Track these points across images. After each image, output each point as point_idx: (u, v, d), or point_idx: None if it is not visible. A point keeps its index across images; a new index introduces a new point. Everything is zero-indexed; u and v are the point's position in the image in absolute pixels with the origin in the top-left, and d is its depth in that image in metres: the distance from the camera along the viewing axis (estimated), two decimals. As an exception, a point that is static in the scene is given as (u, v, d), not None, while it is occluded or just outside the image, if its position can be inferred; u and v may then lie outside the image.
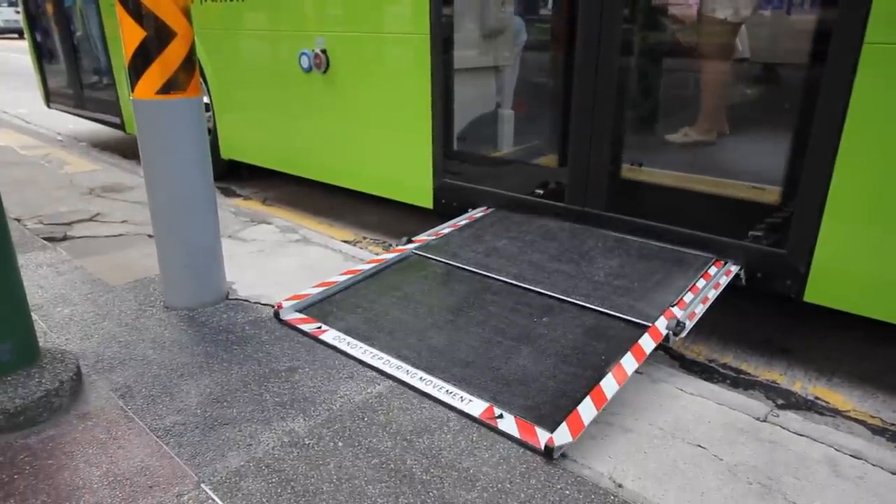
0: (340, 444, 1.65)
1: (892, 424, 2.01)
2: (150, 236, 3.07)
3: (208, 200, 2.33)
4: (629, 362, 1.84)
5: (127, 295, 2.50)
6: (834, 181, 1.99)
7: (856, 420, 2.03)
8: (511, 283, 2.39)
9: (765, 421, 1.76)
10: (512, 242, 2.70)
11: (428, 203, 3.20)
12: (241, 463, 1.58)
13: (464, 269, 2.52)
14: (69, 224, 3.33)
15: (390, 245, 3.55)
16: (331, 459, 1.59)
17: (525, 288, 2.34)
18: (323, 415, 1.77)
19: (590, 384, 1.79)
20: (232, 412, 1.78)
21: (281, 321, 2.26)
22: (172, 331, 2.22)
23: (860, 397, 2.15)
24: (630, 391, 1.89)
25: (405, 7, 3.00)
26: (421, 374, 1.92)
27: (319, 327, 2.19)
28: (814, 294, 2.13)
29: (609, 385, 1.75)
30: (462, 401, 1.79)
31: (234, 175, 4.74)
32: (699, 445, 1.66)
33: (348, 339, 2.11)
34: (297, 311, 2.30)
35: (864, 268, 2.00)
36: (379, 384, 1.91)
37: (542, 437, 1.63)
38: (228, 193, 4.59)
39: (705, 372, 2.29)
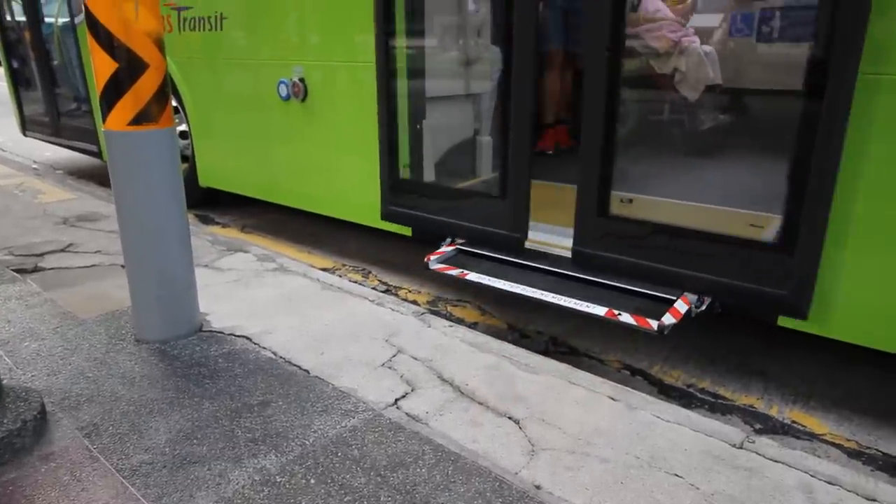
0: (313, 480, 1.61)
1: (868, 448, 2.02)
2: (123, 266, 3.02)
3: (181, 231, 2.30)
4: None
5: (97, 328, 2.45)
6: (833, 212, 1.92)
7: (832, 444, 2.04)
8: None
9: (741, 448, 1.76)
10: None
11: (406, 230, 3.20)
12: None
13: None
14: (41, 255, 3.27)
15: (370, 272, 3.53)
16: (302, 498, 1.55)
17: None
18: (295, 450, 1.73)
19: (678, 295, 2.26)
20: (202, 450, 1.73)
21: (430, 270, 2.76)
22: (143, 365, 2.18)
23: (836, 420, 2.16)
24: (607, 419, 1.88)
25: (363, 36, 3.02)
26: (551, 294, 2.39)
27: (462, 271, 2.66)
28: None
29: (692, 296, 2.24)
30: (588, 307, 2.28)
31: (212, 202, 4.71)
32: (676, 474, 1.65)
33: (488, 277, 2.57)
34: (439, 262, 2.76)
35: (842, 292, 2.01)
36: (353, 417, 1.88)
37: (653, 323, 2.11)
38: (207, 221, 4.56)
39: (683, 397, 2.29)
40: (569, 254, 2.55)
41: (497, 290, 2.52)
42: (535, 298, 2.41)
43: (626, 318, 2.21)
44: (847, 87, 1.79)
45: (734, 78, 3.23)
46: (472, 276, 2.61)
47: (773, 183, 2.04)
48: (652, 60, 3.34)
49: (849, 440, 2.05)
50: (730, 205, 2.47)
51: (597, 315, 2.25)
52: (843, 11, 1.78)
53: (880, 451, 2.00)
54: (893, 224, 1.85)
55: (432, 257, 2.80)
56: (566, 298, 2.35)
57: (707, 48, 3.23)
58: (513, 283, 2.50)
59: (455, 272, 2.68)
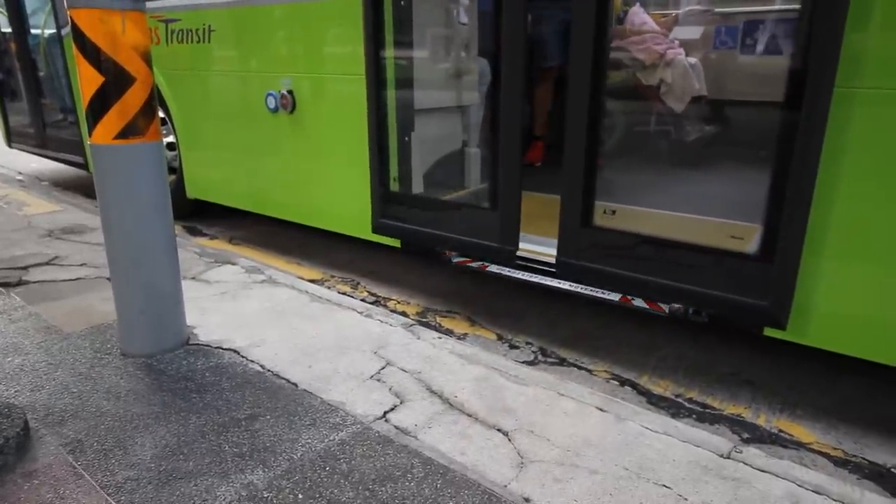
0: (300, 496, 1.60)
1: (854, 456, 2.03)
2: (109, 280, 3.00)
3: (168, 245, 2.29)
4: None
5: (82, 342, 2.42)
6: (811, 222, 1.95)
7: (819, 452, 2.05)
8: None
9: (728, 458, 1.77)
10: None
11: (396, 242, 3.19)
12: (196, 520, 1.52)
13: None
14: (25, 268, 3.23)
15: (358, 283, 3.52)
16: (290, 513, 1.54)
17: None
18: (283, 465, 1.72)
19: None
20: (188, 465, 1.71)
21: (452, 264, 2.91)
22: (129, 380, 2.15)
23: (823, 429, 2.18)
24: (596, 431, 1.88)
25: (352, 48, 3.03)
26: (568, 284, 2.53)
27: (482, 264, 2.80)
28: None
29: None
30: (603, 294, 2.43)
31: (200, 214, 4.68)
32: (664, 485, 1.65)
33: (508, 269, 2.70)
34: (460, 256, 2.89)
35: (819, 300, 2.03)
36: (342, 431, 1.87)
37: (664, 307, 2.28)
38: (195, 232, 4.53)
39: (671, 407, 2.30)
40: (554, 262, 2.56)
41: (518, 280, 2.67)
42: (557, 287, 2.55)
43: (639, 302, 2.35)
44: (823, 100, 1.83)
45: (718, 89, 3.27)
46: (494, 268, 2.76)
47: (755, 193, 2.06)
48: (638, 72, 3.38)
49: (835, 448, 2.07)
50: (713, 215, 2.49)
51: (612, 301, 2.41)
52: (819, 27, 1.81)
53: (866, 460, 2.01)
54: (866, 232, 1.89)
55: (453, 252, 2.97)
56: (583, 287, 2.49)
57: (692, 60, 3.27)
58: (533, 274, 2.63)
59: (476, 264, 2.83)
